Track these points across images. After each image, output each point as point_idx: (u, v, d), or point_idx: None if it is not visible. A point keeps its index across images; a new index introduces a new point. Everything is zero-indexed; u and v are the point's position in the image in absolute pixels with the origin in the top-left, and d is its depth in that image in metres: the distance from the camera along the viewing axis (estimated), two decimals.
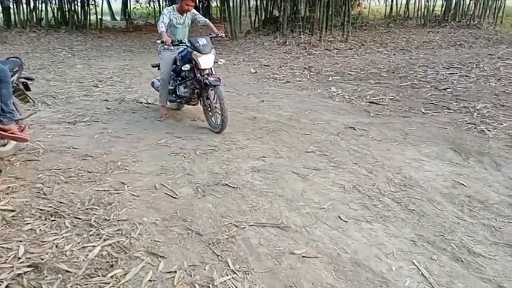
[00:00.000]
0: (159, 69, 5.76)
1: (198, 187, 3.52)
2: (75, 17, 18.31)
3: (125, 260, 2.49)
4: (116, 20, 26.51)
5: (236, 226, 2.92)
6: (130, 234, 2.76)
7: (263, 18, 15.95)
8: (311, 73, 8.96)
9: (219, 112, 4.88)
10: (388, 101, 6.46)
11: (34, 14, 17.27)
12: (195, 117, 5.71)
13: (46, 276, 2.32)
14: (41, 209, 3.05)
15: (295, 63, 10.21)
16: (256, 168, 3.95)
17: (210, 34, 5.40)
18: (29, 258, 2.48)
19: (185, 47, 5.15)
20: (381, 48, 12.04)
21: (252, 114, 5.88)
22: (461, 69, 8.47)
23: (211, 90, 4.96)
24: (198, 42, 4.89)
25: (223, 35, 5.63)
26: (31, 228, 2.81)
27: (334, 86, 7.58)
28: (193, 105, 5.55)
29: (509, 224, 2.99)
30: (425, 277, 2.41)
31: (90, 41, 14.77)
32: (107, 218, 2.95)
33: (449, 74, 8.10)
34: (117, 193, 3.36)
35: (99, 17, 18.94)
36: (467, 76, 7.82)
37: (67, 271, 2.36)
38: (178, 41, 5.11)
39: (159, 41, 5.08)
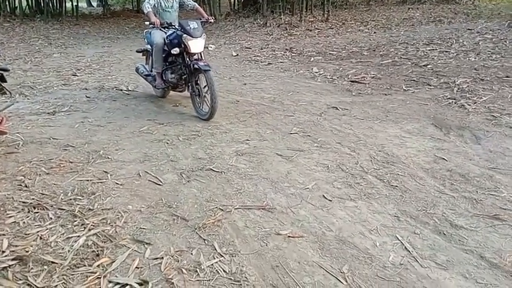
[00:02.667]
0: (143, 55, 5.76)
1: (182, 173, 3.51)
2: (50, 4, 17.89)
3: (111, 249, 2.48)
4: (93, 7, 25.98)
5: (222, 210, 2.93)
6: (115, 223, 2.74)
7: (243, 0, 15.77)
8: (292, 54, 8.93)
9: (208, 99, 4.76)
10: (370, 80, 6.49)
11: (7, 3, 16.79)
12: (177, 103, 5.66)
13: (32, 269, 2.30)
14: (23, 202, 3.01)
15: (276, 44, 10.16)
16: (240, 152, 3.95)
17: (200, 19, 5.28)
18: (13, 251, 2.45)
19: (174, 30, 5.04)
20: (362, 27, 12.04)
21: (234, 98, 5.86)
22: (441, 45, 8.53)
23: (201, 75, 4.85)
24: (189, 26, 4.77)
25: (213, 20, 5.54)
26: (14, 221, 2.77)
27: (316, 67, 7.58)
28: (180, 91, 5.45)
29: (489, 196, 3.05)
30: (409, 251, 2.46)
31: (66, 29, 14.46)
32: (91, 208, 2.92)
33: (429, 50, 8.16)
34: (101, 182, 3.33)
35: (74, 4, 18.51)
36: (447, 52, 7.88)
37: (52, 262, 2.34)
38: (167, 23, 5.03)
39: (147, 23, 4.95)
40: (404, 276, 2.25)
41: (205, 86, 4.78)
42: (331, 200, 3.05)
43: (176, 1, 5.43)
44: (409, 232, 2.65)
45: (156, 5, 5.20)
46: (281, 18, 12.80)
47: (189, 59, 4.90)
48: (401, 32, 10.62)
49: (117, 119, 5.01)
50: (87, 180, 3.37)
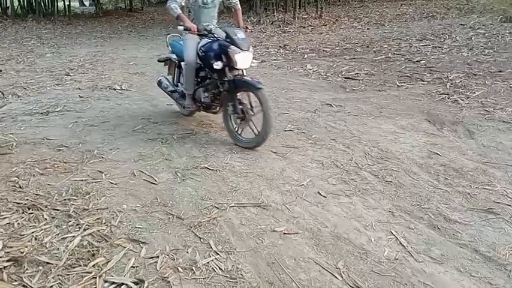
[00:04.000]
0: (165, 64, 5.00)
1: (177, 171, 3.50)
2: (42, 4, 17.76)
3: (107, 249, 2.48)
4: (85, 6, 25.83)
5: (217, 208, 2.93)
6: (110, 223, 2.74)
7: None
8: (286, 51, 8.93)
9: (256, 122, 3.88)
10: (364, 76, 6.51)
11: None
12: (172, 102, 5.64)
13: (27, 269, 2.29)
14: (17, 203, 2.99)
15: (270, 42, 10.16)
16: (235, 150, 3.94)
17: (235, 25, 4.31)
18: (8, 252, 2.44)
19: (214, 38, 4.06)
20: (355, 23, 12.05)
21: None
22: (434, 40, 8.56)
23: (247, 93, 3.95)
24: (237, 35, 3.83)
25: (251, 30, 4.69)
26: (9, 223, 2.75)
27: (310, 63, 7.58)
28: (214, 112, 4.47)
29: (483, 190, 3.07)
30: (404, 246, 2.47)
31: (59, 28, 14.37)
32: (86, 208, 2.92)
33: (422, 45, 8.18)
34: (95, 182, 3.32)
35: (67, 3, 18.39)
36: (440, 47, 7.91)
37: (48, 263, 2.34)
38: (207, 30, 4.05)
39: (181, 27, 3.94)
40: (399, 271, 2.27)
41: (252, 107, 3.93)
42: (326, 197, 3.06)
43: None
44: (404, 227, 2.67)
45: (190, 1, 4.18)
46: (274, 16, 12.80)
47: (230, 74, 3.97)
48: (395, 28, 10.65)
49: (111, 118, 4.99)
50: (82, 180, 3.36)
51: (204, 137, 4.28)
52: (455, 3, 14.25)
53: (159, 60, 5.18)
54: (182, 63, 4.37)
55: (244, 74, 3.94)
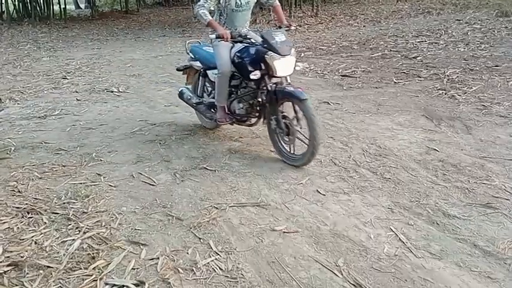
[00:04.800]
0: (184, 73, 4.60)
1: (176, 173, 3.50)
2: (38, 8, 17.73)
3: (107, 251, 2.48)
4: (81, 9, 25.79)
5: (216, 208, 2.93)
6: (110, 225, 2.74)
7: None
8: None
9: (303, 137, 3.46)
10: (360, 73, 6.51)
11: None
12: (169, 103, 5.65)
13: (27, 274, 2.29)
14: (17, 207, 2.99)
15: None
16: (233, 150, 3.95)
17: (280, 26, 3.83)
18: (8, 257, 2.44)
19: (251, 43, 3.60)
20: (351, 21, 12.07)
21: None
22: (430, 36, 8.57)
23: (290, 105, 3.53)
24: (274, 39, 3.40)
25: (294, 27, 4.16)
26: (8, 227, 2.75)
27: (307, 62, 7.58)
28: (250, 125, 4.00)
29: (481, 185, 3.08)
30: (403, 242, 2.48)
31: (55, 32, 14.34)
32: (85, 211, 2.92)
33: (418, 42, 8.19)
34: (94, 185, 3.33)
35: (62, 6, 18.37)
36: (436, 43, 7.92)
37: (48, 267, 2.34)
38: (241, 36, 3.60)
39: (213, 36, 3.51)
40: (399, 267, 2.27)
41: (294, 118, 3.51)
42: (324, 195, 3.07)
43: None
44: (403, 223, 2.67)
45: (221, 3, 3.68)
46: (270, 15, 12.79)
47: (270, 83, 3.57)
48: (391, 25, 10.66)
49: (109, 121, 4.99)
50: (81, 183, 3.36)
51: (202, 138, 4.29)
52: None
53: (178, 69, 4.71)
54: (210, 71, 4.02)
55: (288, 80, 3.53)
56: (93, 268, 2.33)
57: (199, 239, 2.59)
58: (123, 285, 2.19)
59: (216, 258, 2.40)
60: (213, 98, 4.03)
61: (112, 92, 6.41)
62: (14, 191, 3.26)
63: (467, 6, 12.37)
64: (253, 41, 3.58)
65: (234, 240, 2.58)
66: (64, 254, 2.46)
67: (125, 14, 20.66)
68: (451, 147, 3.74)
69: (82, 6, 26.39)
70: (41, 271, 2.31)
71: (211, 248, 2.50)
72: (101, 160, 3.82)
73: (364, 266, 2.30)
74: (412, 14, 12.19)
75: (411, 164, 3.45)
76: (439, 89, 5.33)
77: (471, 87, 5.24)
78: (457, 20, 9.94)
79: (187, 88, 4.49)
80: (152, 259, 2.41)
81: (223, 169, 3.55)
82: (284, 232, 2.63)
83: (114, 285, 2.20)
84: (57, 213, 2.90)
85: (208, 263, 2.36)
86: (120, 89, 6.52)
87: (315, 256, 2.40)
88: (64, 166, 3.70)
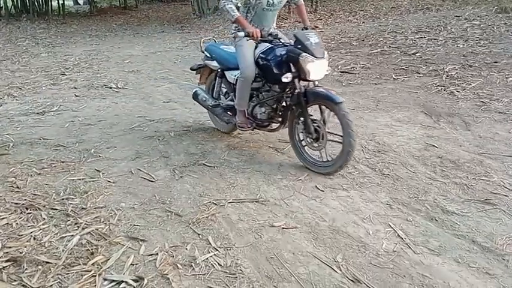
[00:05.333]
0: (197, 73, 4.37)
1: (175, 169, 3.50)
2: (36, 4, 17.67)
3: (105, 247, 2.48)
4: (79, 5, 25.71)
5: (215, 204, 2.93)
6: (109, 221, 2.74)
7: None
8: None
9: (337, 141, 3.24)
10: (360, 70, 6.51)
11: None
12: (168, 99, 5.64)
13: (26, 269, 2.29)
14: (15, 203, 2.99)
15: None
16: (232, 146, 3.95)
17: (306, 27, 3.59)
18: (7, 252, 2.43)
19: (281, 44, 3.43)
20: (350, 17, 12.04)
21: None
22: (429, 32, 8.55)
23: (320, 108, 3.35)
24: (309, 40, 3.18)
25: (322, 29, 3.75)
26: (7, 223, 2.75)
27: None
28: (271, 130, 3.79)
29: (480, 181, 3.08)
30: (402, 238, 2.48)
31: (53, 28, 14.31)
32: (84, 207, 2.91)
33: (417, 38, 8.18)
34: (93, 181, 3.32)
35: (60, 2, 18.31)
36: (435, 39, 7.90)
37: (47, 262, 2.34)
38: (271, 35, 3.40)
39: (241, 33, 3.27)
40: (397, 263, 2.28)
41: (325, 123, 3.32)
42: (323, 191, 3.07)
43: None
44: (402, 219, 2.68)
45: (252, 0, 3.43)
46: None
47: (299, 86, 3.31)
48: (390, 21, 10.63)
49: (108, 117, 4.98)
50: (79, 179, 3.36)
51: (201, 134, 4.28)
52: None
53: (192, 69, 4.47)
54: (228, 72, 3.82)
55: (316, 82, 3.35)
56: (92, 264, 2.32)
57: (198, 234, 2.59)
58: (122, 281, 2.19)
59: (215, 254, 2.40)
60: (231, 100, 3.87)
61: (111, 88, 6.40)
62: (12, 186, 3.25)
63: (467, 3, 12.33)
64: (283, 42, 3.41)
65: (233, 236, 2.58)
66: (63, 250, 2.45)
67: (124, 9, 20.61)
68: (449, 143, 3.74)
69: (80, 2, 26.32)
70: (40, 267, 2.31)
71: (210, 243, 2.50)
72: (99, 156, 3.81)
73: (362, 262, 2.30)
74: (411, 10, 12.16)
75: (410, 160, 3.46)
76: (438, 86, 5.33)
77: (470, 84, 5.24)
78: (456, 16, 9.92)
79: (202, 89, 4.26)
80: (151, 255, 2.41)
81: (222, 165, 3.55)
82: (283, 228, 2.63)
83: (113, 281, 2.20)
84: (56, 209, 2.90)
85: (207, 258, 2.36)
86: (119, 85, 6.51)
87: (314, 252, 2.40)
88: (63, 162, 3.69)
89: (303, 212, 2.81)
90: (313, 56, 3.13)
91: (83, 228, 2.66)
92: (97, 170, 3.51)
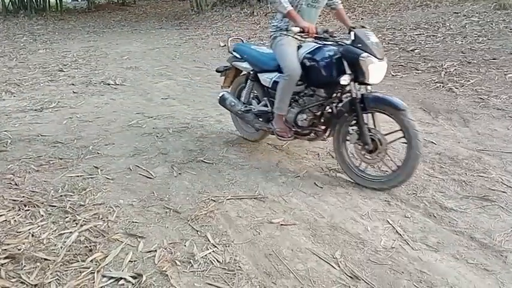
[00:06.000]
0: (222, 75, 4.02)
1: (174, 165, 3.50)
2: (34, 0, 17.60)
3: (104, 244, 2.48)
4: (77, 1, 25.58)
5: (214, 201, 2.93)
6: (107, 218, 2.74)
7: None
8: None
9: (403, 154, 2.93)
10: None
11: None
12: (166, 95, 5.63)
13: (24, 266, 2.29)
14: (13, 200, 2.98)
15: (264, 33, 10.11)
16: (230, 142, 3.94)
17: (353, 27, 3.10)
18: (5, 249, 2.43)
19: (336, 43, 3.06)
20: (349, 13, 12.00)
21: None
22: (428, 29, 8.54)
23: (373, 116, 3.02)
24: (370, 39, 2.88)
25: (370, 30, 3.20)
26: (5, 220, 2.74)
27: None
28: (311, 139, 3.44)
29: (478, 178, 3.09)
30: (400, 234, 2.49)
31: (51, 24, 14.27)
32: (82, 204, 2.91)
33: (416, 34, 8.16)
34: (91, 178, 3.32)
35: None
36: (434, 36, 7.89)
37: (45, 259, 2.34)
38: (327, 31, 3.09)
39: (295, 29, 2.98)
40: (396, 259, 2.28)
41: (386, 134, 2.98)
42: (322, 187, 3.07)
43: None
44: (400, 216, 2.68)
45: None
46: (268, 7, 12.73)
47: (355, 90, 2.97)
48: (388, 18, 10.61)
49: (106, 113, 4.97)
50: (78, 176, 3.35)
51: (200, 131, 4.28)
52: None
53: (217, 71, 4.09)
54: (262, 75, 3.52)
55: (368, 88, 3.04)
56: (91, 261, 2.32)
57: (197, 231, 2.59)
58: (121, 278, 2.19)
59: (213, 251, 2.40)
60: (264, 105, 3.62)
61: (109, 84, 6.39)
62: (10, 183, 3.24)
63: None
64: (340, 41, 3.03)
65: (232, 232, 2.58)
66: (61, 247, 2.45)
67: (122, 6, 20.54)
68: (448, 140, 3.74)
69: None
70: (38, 264, 2.31)
71: (208, 240, 2.50)
72: (98, 153, 3.80)
73: (361, 258, 2.30)
74: (410, 6, 12.13)
75: None
76: (436, 82, 5.32)
77: (469, 80, 5.24)
78: (455, 12, 9.90)
79: (228, 93, 3.94)
80: (150, 251, 2.41)
81: (221, 162, 3.54)
82: (281, 224, 2.63)
83: (112, 277, 2.20)
84: (54, 206, 2.90)
85: (205, 255, 2.36)
86: (117, 82, 6.49)
87: (312, 248, 2.40)
88: (61, 159, 3.69)
89: (302, 208, 2.81)
90: (374, 56, 2.82)
91: (82, 225, 2.66)
92: (95, 167, 3.50)
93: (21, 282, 2.18)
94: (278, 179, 3.22)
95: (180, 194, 3.04)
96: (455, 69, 5.76)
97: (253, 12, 12.57)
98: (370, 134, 2.97)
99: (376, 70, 2.85)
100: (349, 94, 3.02)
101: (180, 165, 3.50)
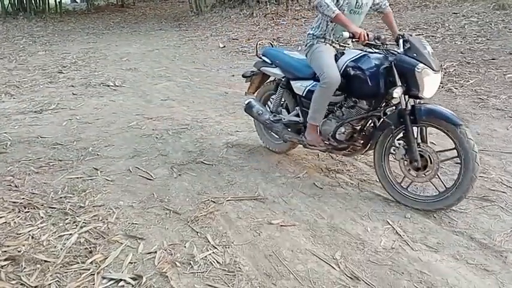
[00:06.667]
0: (247, 80, 3.81)
1: (173, 167, 3.50)
2: (33, 2, 17.62)
3: (104, 245, 2.48)
4: (76, 3, 25.61)
5: (214, 202, 2.93)
6: (107, 219, 2.74)
7: None
8: (280, 44, 8.90)
9: (456, 174, 2.69)
10: None
11: None
12: (166, 97, 5.63)
13: (24, 268, 2.29)
14: (13, 202, 2.98)
15: (263, 34, 10.12)
16: (230, 144, 3.95)
17: (401, 35, 2.84)
18: (5, 251, 2.43)
19: (388, 51, 2.83)
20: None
21: (223, 90, 5.84)
22: (427, 29, 8.55)
23: (421, 131, 2.79)
24: (426, 48, 2.66)
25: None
26: (5, 222, 2.74)
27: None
28: (348, 154, 3.21)
29: (478, 178, 3.07)
30: (400, 235, 2.49)
31: (50, 26, 14.27)
32: (82, 205, 2.91)
33: (416, 35, 8.16)
34: (91, 179, 3.32)
35: (58, 0, 18.25)
36: (433, 36, 7.90)
37: (45, 261, 2.33)
38: (379, 38, 2.85)
39: (346, 34, 2.76)
40: (396, 260, 2.28)
41: (438, 151, 2.79)
42: (322, 188, 3.07)
43: None
44: (400, 216, 2.68)
45: (340, 1, 2.96)
46: (267, 8, 12.75)
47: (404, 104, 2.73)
48: None
49: (105, 115, 4.97)
50: (77, 178, 3.35)
51: (199, 132, 4.28)
52: None
53: (244, 76, 3.84)
54: (296, 83, 3.29)
55: (417, 101, 2.77)
56: (91, 262, 2.32)
57: (197, 232, 2.59)
58: (121, 280, 2.19)
59: (213, 252, 2.40)
60: (296, 115, 3.42)
61: (108, 86, 6.39)
62: (10, 185, 3.24)
63: None
64: (392, 50, 2.82)
65: (232, 233, 2.58)
66: (61, 249, 2.45)
67: (121, 7, 20.55)
68: (447, 140, 3.73)
69: (78, 0, 26.21)
70: (38, 265, 2.31)
71: (208, 241, 2.50)
72: (97, 154, 3.80)
73: (361, 259, 2.30)
74: (409, 7, 12.14)
75: None
76: None
77: (468, 81, 5.25)
78: (454, 13, 9.91)
79: (255, 100, 3.71)
80: (150, 253, 2.41)
81: (220, 163, 3.54)
82: (281, 225, 2.63)
83: (112, 279, 2.20)
84: (54, 208, 2.90)
85: (205, 256, 2.36)
86: (116, 83, 6.50)
87: (312, 249, 2.40)
88: (61, 161, 3.69)
89: (302, 209, 2.81)
90: (431, 68, 2.60)
91: (81, 227, 2.66)
92: (95, 169, 3.50)
93: (22, 284, 2.18)
94: (278, 180, 3.22)
95: (180, 195, 3.04)
96: (455, 69, 5.76)
97: (253, 13, 12.57)
98: (420, 150, 2.73)
99: (431, 83, 2.64)
100: (394, 108, 2.83)
101: (179, 167, 3.50)
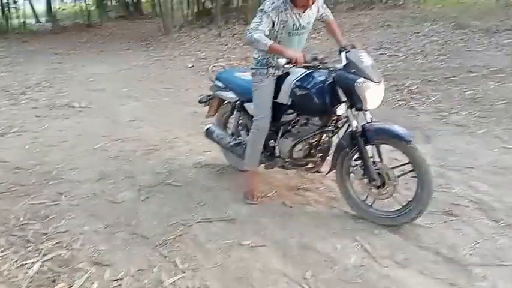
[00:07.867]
0: (205, 105, 3.79)
1: (141, 189, 3.44)
2: None
3: (68, 273, 2.40)
4: (41, 23, 25.17)
5: (183, 225, 2.89)
6: (71, 246, 2.66)
7: (196, 10, 15.79)
8: (248, 63, 8.98)
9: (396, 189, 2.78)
10: None
11: None
12: (133, 117, 5.56)
13: None
14: None
15: (232, 54, 10.19)
16: (199, 164, 3.92)
17: (343, 47, 2.93)
18: None
19: (328, 69, 2.85)
20: (314, 34, 12.24)
21: (192, 110, 5.80)
22: (390, 49, 8.81)
23: (376, 147, 2.86)
24: (363, 61, 2.70)
25: (366, 47, 2.85)
26: None
27: None
28: (308, 170, 3.34)
29: (442, 193, 3.16)
30: (368, 252, 2.51)
31: (14, 46, 13.92)
32: (45, 232, 2.82)
33: (379, 54, 8.41)
34: (55, 204, 3.22)
35: (22, 20, 17.90)
36: (396, 55, 8.15)
37: None
38: (317, 59, 2.83)
39: (282, 60, 2.68)
40: (365, 277, 2.30)
41: (394, 167, 2.85)
42: (291, 207, 3.08)
43: (313, 13, 3.06)
44: (368, 233, 2.71)
45: (275, 26, 2.84)
46: (235, 28, 12.89)
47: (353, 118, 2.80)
48: (352, 38, 10.89)
49: (70, 137, 4.85)
50: (40, 203, 3.25)
51: (168, 152, 4.23)
52: (409, 13, 14.74)
53: (200, 101, 3.84)
54: (250, 104, 3.25)
55: (368, 117, 2.84)
56: None
57: (165, 257, 2.54)
58: None
59: (182, 277, 2.36)
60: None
61: (73, 107, 6.25)
62: None
63: (425, 19, 12.80)
64: (331, 68, 2.82)
65: (201, 256, 2.55)
66: (23, 278, 2.36)
67: (87, 27, 20.30)
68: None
69: (43, 20, 25.77)
70: None
71: (177, 266, 2.45)
72: (61, 178, 3.70)
73: (331, 278, 2.31)
74: (373, 27, 12.52)
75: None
76: (399, 100, 5.48)
77: (430, 98, 5.42)
78: (416, 32, 10.28)
79: (216, 126, 3.73)
80: (116, 280, 2.35)
81: (190, 184, 3.51)
82: (251, 246, 2.62)
83: None
84: (15, 235, 2.80)
85: (174, 281, 2.32)
86: (82, 104, 6.36)
87: (283, 269, 2.39)
88: (23, 185, 3.57)
89: (272, 229, 2.81)
90: (371, 80, 2.64)
91: (44, 255, 2.57)
92: (59, 193, 3.41)
93: None
94: (247, 200, 3.20)
95: (148, 219, 2.99)
96: (417, 87, 5.95)
97: (221, 33, 12.67)
98: (376, 168, 2.77)
99: (373, 95, 2.68)
100: (345, 119, 2.88)
101: (147, 189, 3.44)
